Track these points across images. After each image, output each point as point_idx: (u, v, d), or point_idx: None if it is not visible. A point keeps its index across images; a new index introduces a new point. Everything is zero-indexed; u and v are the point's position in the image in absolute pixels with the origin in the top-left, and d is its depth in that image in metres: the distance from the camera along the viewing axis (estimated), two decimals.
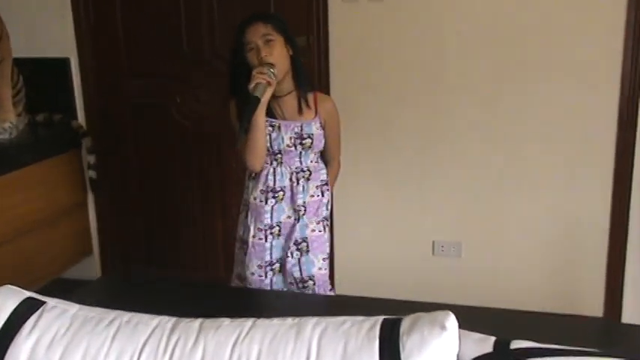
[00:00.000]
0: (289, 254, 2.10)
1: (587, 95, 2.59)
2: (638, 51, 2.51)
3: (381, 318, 1.22)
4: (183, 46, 2.98)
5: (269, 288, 2.11)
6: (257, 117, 1.93)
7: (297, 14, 2.76)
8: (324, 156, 2.16)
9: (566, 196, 2.70)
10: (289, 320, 1.26)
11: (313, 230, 2.11)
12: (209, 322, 1.29)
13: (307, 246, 2.10)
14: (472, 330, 1.24)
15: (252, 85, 1.89)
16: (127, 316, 1.31)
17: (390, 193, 2.84)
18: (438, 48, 2.69)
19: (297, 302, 1.96)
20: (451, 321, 1.17)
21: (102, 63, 3.10)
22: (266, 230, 2.09)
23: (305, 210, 2.09)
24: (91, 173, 3.08)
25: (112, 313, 1.32)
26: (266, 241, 2.09)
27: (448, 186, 2.80)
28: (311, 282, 2.11)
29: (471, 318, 1.26)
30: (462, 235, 2.82)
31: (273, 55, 1.95)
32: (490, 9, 2.62)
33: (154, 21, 3.00)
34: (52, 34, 3.07)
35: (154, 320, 1.30)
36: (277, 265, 2.12)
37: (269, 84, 1.91)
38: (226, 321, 1.29)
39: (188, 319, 1.31)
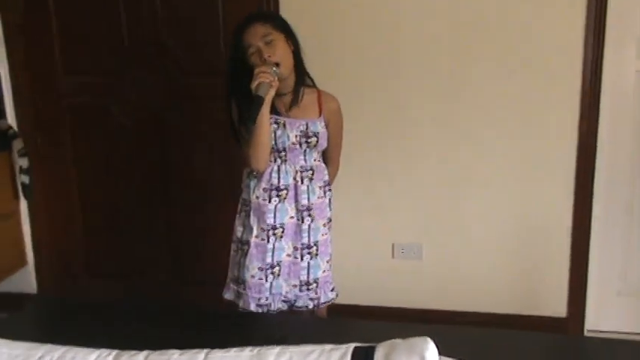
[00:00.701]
0: (298, 256, 2.06)
1: (547, 91, 2.52)
2: (597, 46, 2.45)
3: (352, 346, 1.09)
4: (124, 40, 2.77)
5: (268, 292, 2.04)
6: (261, 116, 1.88)
7: (246, 6, 2.53)
8: (324, 156, 2.13)
9: (528, 195, 2.63)
10: (247, 351, 1.11)
11: (323, 234, 2.09)
12: (156, 356, 1.12)
13: (317, 249, 2.08)
14: (450, 352, 1.13)
15: (254, 84, 1.85)
16: (58, 351, 1.13)
17: (346, 193, 2.71)
18: (394, 43, 2.58)
19: (262, 324, 1.84)
20: (430, 350, 1.04)
21: (34, 59, 2.86)
22: (268, 231, 2.02)
23: (312, 212, 2.05)
24: (23, 178, 2.84)
25: (41, 349, 1.14)
26: (268, 242, 2.02)
27: (407, 186, 2.69)
28: (315, 284, 2.10)
29: (446, 338, 1.15)
30: (423, 237, 2.72)
31: (277, 55, 1.91)
32: (448, 1, 2.51)
33: (91, 13, 2.77)
34: None
35: (92, 355, 1.13)
36: (277, 269, 2.05)
37: (271, 84, 1.86)
38: (175, 354, 1.13)
39: (132, 352, 1.15)
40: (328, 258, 2.12)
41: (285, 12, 2.55)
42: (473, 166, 2.63)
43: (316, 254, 2.08)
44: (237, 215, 2.10)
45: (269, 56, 1.89)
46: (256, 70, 1.86)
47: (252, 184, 2.04)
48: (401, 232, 2.74)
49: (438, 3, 2.52)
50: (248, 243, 2.04)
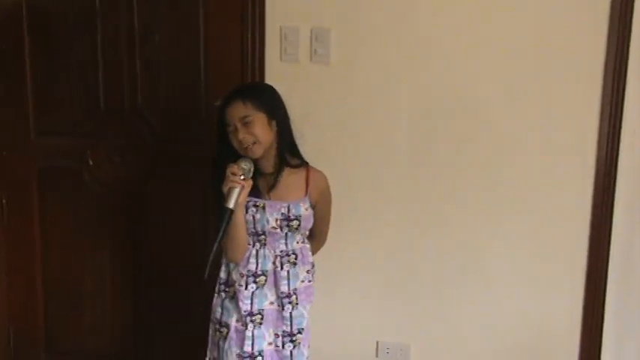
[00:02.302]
0: (280, 344, 1.98)
1: (558, 181, 2.29)
2: (613, 135, 2.23)
3: None
4: (100, 104, 2.60)
5: None
6: (235, 217, 1.82)
7: (231, 74, 2.41)
8: (310, 231, 2.05)
9: (532, 294, 2.37)
10: None
11: (307, 320, 2.02)
12: None
13: (300, 337, 2.00)
14: None
15: (225, 189, 1.80)
16: None
17: (328, 280, 2.46)
18: (390, 118, 2.37)
19: None
20: None
21: (4, 119, 2.69)
22: (246, 317, 1.93)
23: (293, 298, 1.96)
24: None
25: None
26: (247, 328, 1.93)
27: (396, 278, 2.44)
28: None
29: None
30: (411, 337, 2.45)
31: (253, 135, 1.85)
32: (450, 76, 2.31)
33: (69, 75, 2.61)
34: None
35: None
36: (259, 359, 1.95)
37: (243, 187, 1.81)
38: None
39: None
40: (309, 344, 2.03)
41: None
42: (471, 259, 2.38)
43: (299, 342, 1.99)
44: (216, 295, 2.02)
45: (242, 138, 1.84)
46: (227, 171, 1.81)
47: (232, 266, 1.97)
48: (387, 329, 2.47)
49: (438, 81, 2.32)
50: (227, 326, 1.96)
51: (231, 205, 1.78)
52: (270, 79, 2.39)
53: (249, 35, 2.38)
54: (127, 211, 2.66)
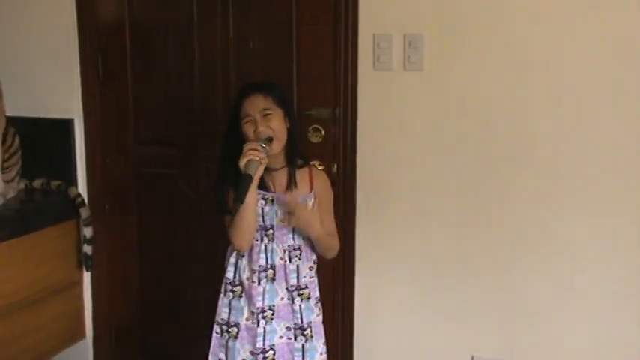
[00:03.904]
0: (292, 337, 1.97)
1: None
2: None
3: None
4: (195, 113, 2.66)
5: None
6: (249, 195, 1.82)
7: (323, 84, 2.42)
8: None
9: (630, 311, 2.21)
10: None
11: (317, 315, 2.02)
12: None
13: (311, 331, 1.99)
14: None
15: (243, 162, 1.79)
16: None
17: (421, 290, 2.41)
18: (482, 125, 2.28)
19: None
20: None
21: (108, 127, 2.81)
22: (258, 313, 1.93)
23: (302, 291, 1.97)
24: (86, 248, 2.75)
25: None
26: (258, 325, 1.93)
27: (492, 293, 2.34)
28: None
29: None
30: (508, 352, 2.34)
31: (272, 129, 1.87)
32: (546, 80, 2.19)
33: (166, 83, 2.70)
34: (56, 93, 2.79)
35: None
36: (270, 353, 1.95)
37: (260, 162, 1.81)
38: None
39: None
40: (324, 340, 2.03)
41: (365, 95, 2.37)
42: (568, 276, 2.25)
43: (311, 336, 1.98)
44: (222, 295, 2.02)
45: (263, 130, 1.85)
46: (245, 147, 1.80)
47: (241, 264, 1.97)
48: (482, 343, 2.37)
49: (529, 94, 2.21)
50: (237, 325, 1.97)
51: (250, 172, 1.77)
52: (363, 88, 2.37)
53: (342, 44, 2.36)
54: (220, 218, 2.70)
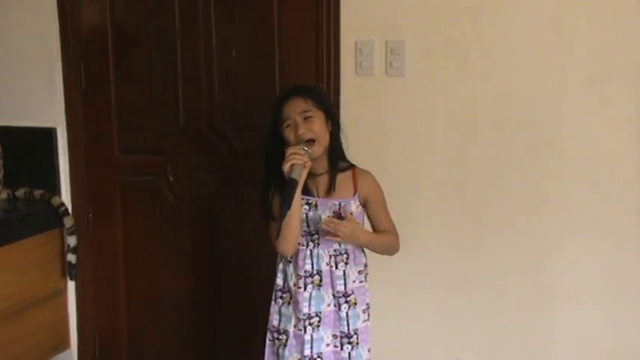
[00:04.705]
0: (338, 345, 1.95)
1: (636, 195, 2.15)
2: None
3: None
4: (180, 120, 2.66)
5: None
6: (294, 199, 1.80)
7: None
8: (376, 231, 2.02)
9: (612, 316, 2.23)
10: None
11: (365, 321, 1.98)
12: None
13: (357, 338, 1.96)
14: None
15: (287, 167, 1.78)
16: None
17: (406, 298, 2.42)
18: (466, 133, 2.30)
19: None
20: None
21: (91, 135, 2.79)
22: (305, 320, 1.92)
23: (349, 298, 1.94)
24: (70, 257, 2.73)
25: None
26: (305, 332, 1.91)
27: (477, 296, 2.35)
28: None
29: None
30: (493, 356, 2.35)
31: (313, 132, 1.85)
32: (529, 87, 2.21)
33: (150, 91, 2.68)
34: (39, 101, 2.77)
35: None
36: None
37: (304, 165, 1.79)
38: None
39: None
40: (369, 347, 1.99)
41: (347, 100, 2.38)
42: (554, 281, 2.26)
43: (357, 343, 1.96)
44: (273, 302, 2.01)
45: (303, 132, 1.84)
46: (288, 152, 1.79)
47: (289, 270, 1.96)
48: (468, 347, 2.38)
49: (511, 100, 2.23)
50: (286, 332, 1.96)
51: (295, 176, 1.76)
52: (345, 94, 2.38)
53: (324, 50, 2.37)
54: (206, 224, 2.70)
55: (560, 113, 2.19)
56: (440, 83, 2.29)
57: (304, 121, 1.86)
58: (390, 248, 2.02)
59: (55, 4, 2.69)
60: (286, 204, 1.76)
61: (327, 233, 1.84)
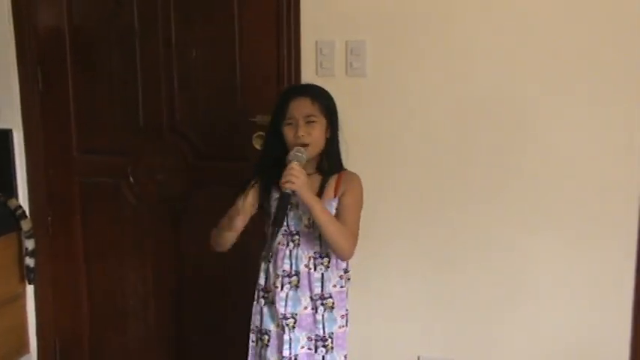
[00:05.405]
0: (312, 348, 1.94)
1: (604, 187, 2.21)
2: None
3: None
4: (140, 120, 2.63)
5: None
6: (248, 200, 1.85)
7: (267, 90, 2.41)
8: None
9: (579, 307, 2.29)
10: None
11: (342, 326, 1.96)
12: None
13: (332, 343, 1.95)
14: None
15: (284, 181, 1.76)
16: None
17: (368, 293, 2.43)
18: (428, 130, 2.33)
19: None
20: None
21: (49, 136, 2.74)
22: (282, 319, 1.91)
23: (327, 301, 1.93)
24: (29, 261, 2.68)
25: None
26: (284, 332, 1.91)
27: (439, 291, 2.39)
28: None
29: None
30: (454, 352, 2.39)
31: (311, 137, 1.85)
32: (489, 86, 2.25)
33: (109, 92, 2.65)
34: None
35: None
36: None
37: (293, 194, 1.78)
38: None
39: None
40: (345, 353, 1.97)
41: None
42: (516, 274, 2.31)
43: (332, 348, 1.95)
44: (255, 302, 1.99)
45: (302, 135, 1.83)
46: (288, 167, 1.77)
47: (270, 269, 1.95)
48: (428, 344, 2.41)
49: (471, 100, 2.27)
50: (268, 333, 1.95)
51: (289, 190, 1.76)
52: None
53: (285, 50, 2.38)
54: (168, 225, 2.68)
55: (523, 110, 2.24)
56: (401, 83, 2.32)
57: (306, 125, 1.85)
58: (342, 241, 1.85)
59: (10, 7, 2.65)
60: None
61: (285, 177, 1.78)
